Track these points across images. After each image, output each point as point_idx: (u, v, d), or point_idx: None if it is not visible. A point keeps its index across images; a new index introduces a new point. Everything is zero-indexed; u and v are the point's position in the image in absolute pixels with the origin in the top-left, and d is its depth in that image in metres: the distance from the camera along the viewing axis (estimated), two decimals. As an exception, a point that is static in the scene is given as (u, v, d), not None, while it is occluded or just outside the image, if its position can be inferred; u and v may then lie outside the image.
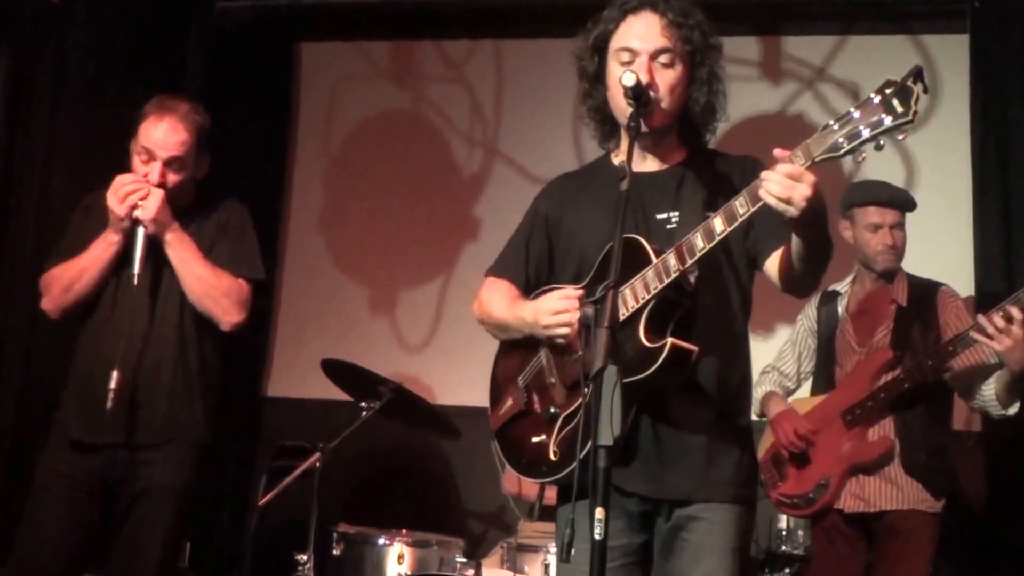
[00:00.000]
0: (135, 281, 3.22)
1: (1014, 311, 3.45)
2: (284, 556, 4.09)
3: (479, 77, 5.66)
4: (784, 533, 4.38)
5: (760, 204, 2.23)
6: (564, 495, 2.54)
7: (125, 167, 3.36)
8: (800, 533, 4.34)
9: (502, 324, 2.66)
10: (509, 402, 2.64)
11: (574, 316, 2.39)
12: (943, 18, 5.08)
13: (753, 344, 2.62)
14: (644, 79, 2.41)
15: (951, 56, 5.00)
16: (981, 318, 3.50)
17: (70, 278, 3.32)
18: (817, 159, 2.19)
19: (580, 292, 2.43)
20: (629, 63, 2.47)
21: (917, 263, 3.94)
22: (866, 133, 2.15)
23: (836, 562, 3.78)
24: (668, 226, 2.49)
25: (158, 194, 3.25)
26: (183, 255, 3.30)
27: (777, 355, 4.12)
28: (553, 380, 2.53)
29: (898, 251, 3.83)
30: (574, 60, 2.62)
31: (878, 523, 3.70)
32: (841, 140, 2.16)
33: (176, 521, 3.32)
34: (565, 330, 2.43)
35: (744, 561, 2.47)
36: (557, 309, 2.44)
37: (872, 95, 2.16)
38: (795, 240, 2.34)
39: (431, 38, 5.74)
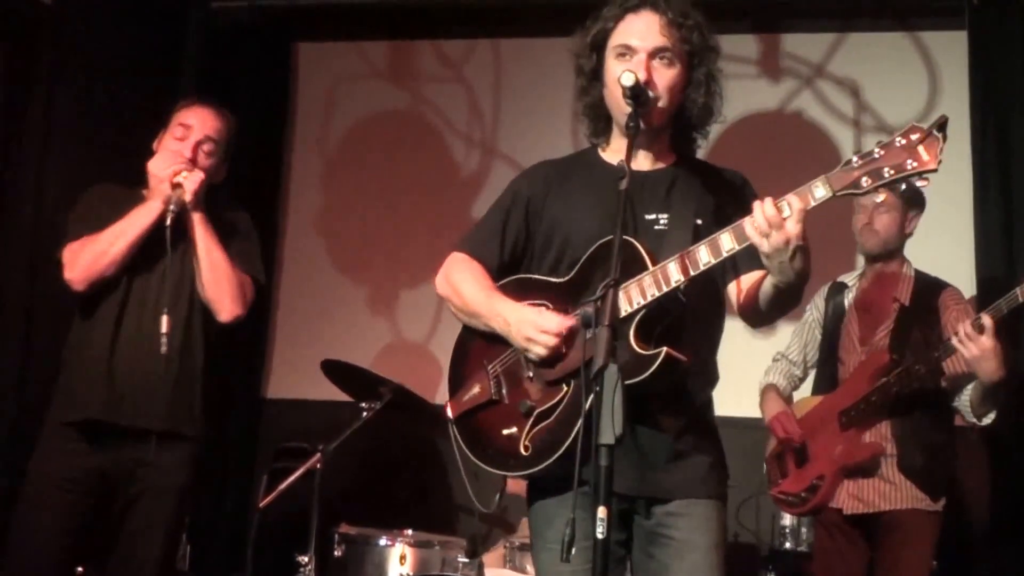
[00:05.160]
0: (164, 272, 3.29)
1: (986, 321, 3.44)
2: (285, 557, 4.09)
3: (477, 76, 5.66)
4: (787, 530, 4.38)
5: (748, 243, 2.26)
6: (537, 490, 2.58)
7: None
8: (804, 531, 4.33)
9: (472, 312, 2.61)
10: (476, 389, 2.59)
11: (554, 344, 2.39)
12: (942, 15, 5.09)
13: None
14: (642, 77, 2.40)
15: (950, 52, 5.01)
16: (958, 325, 3.50)
17: (105, 244, 3.31)
18: (839, 194, 2.22)
19: (573, 323, 2.41)
20: (627, 61, 2.47)
21: (918, 258, 3.91)
22: (888, 175, 2.18)
23: (838, 558, 3.78)
24: (656, 227, 2.49)
25: (199, 173, 3.37)
26: (208, 237, 3.38)
27: (787, 343, 4.11)
28: (530, 374, 2.50)
29: (879, 234, 3.78)
30: (573, 57, 2.61)
31: (877, 523, 3.69)
32: (864, 179, 2.19)
33: (175, 521, 3.38)
34: (543, 351, 2.42)
35: (724, 555, 2.49)
36: (547, 329, 2.41)
37: (897, 137, 2.18)
38: (767, 281, 2.36)
39: (429, 38, 5.74)
